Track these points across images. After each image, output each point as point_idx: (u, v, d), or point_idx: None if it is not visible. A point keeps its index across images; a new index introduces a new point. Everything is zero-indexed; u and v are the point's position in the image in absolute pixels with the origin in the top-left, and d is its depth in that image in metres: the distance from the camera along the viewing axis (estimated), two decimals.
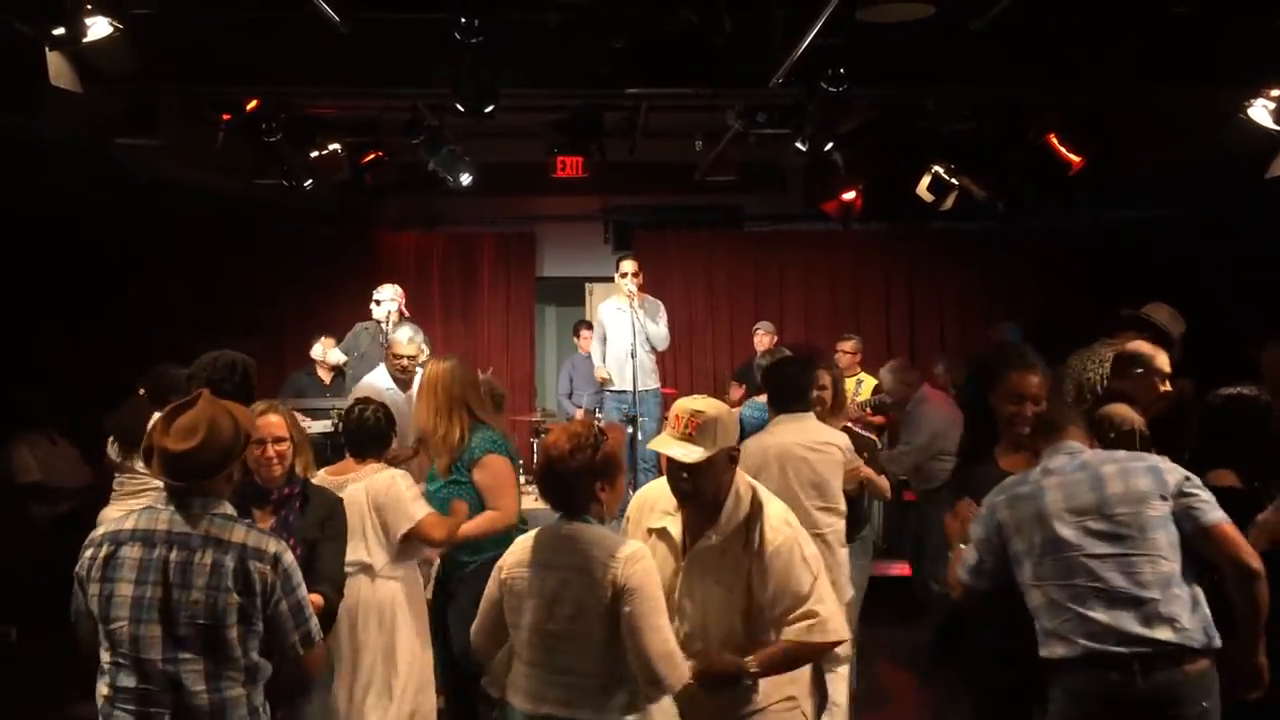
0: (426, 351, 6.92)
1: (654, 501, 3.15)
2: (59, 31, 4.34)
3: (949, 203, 7.44)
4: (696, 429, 2.91)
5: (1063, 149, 6.33)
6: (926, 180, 7.31)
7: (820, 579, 2.94)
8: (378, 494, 4.02)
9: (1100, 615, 2.94)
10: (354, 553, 3.94)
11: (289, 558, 2.76)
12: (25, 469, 6.30)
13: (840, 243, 9.89)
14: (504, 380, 9.33)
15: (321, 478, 4.13)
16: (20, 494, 6.38)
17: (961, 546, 3.37)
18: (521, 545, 2.94)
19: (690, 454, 2.89)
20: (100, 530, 2.74)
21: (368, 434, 4.20)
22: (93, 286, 8.52)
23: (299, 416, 5.05)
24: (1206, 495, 3.04)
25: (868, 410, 7.77)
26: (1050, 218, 9.31)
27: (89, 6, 4.39)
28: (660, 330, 7.85)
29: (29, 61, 4.47)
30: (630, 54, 5.31)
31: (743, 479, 3.05)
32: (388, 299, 7.10)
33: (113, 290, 8.76)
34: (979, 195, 7.23)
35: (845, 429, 5.01)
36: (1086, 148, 6.39)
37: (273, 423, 3.53)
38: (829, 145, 5.87)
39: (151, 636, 2.62)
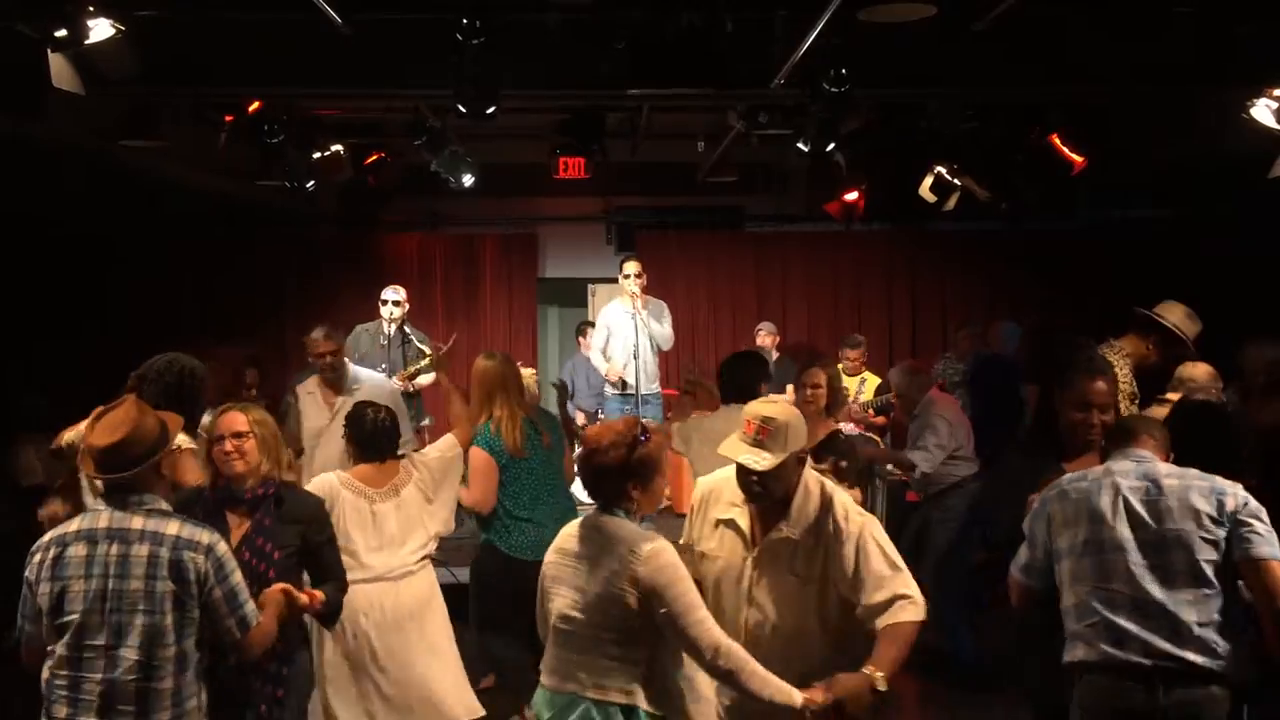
0: (429, 355, 6.98)
1: (719, 493, 3.20)
2: (61, 33, 4.34)
3: (951, 203, 7.43)
4: (768, 435, 2.97)
5: (1065, 149, 6.32)
6: (928, 181, 7.30)
7: (898, 560, 2.98)
8: (430, 475, 4.23)
9: (1129, 624, 2.90)
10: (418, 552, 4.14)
11: (222, 547, 2.95)
12: (30, 471, 6.30)
13: (842, 243, 9.90)
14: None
15: (360, 489, 4.20)
16: (24, 496, 6.38)
17: None
18: (563, 535, 3.05)
19: (760, 461, 2.95)
20: (46, 536, 2.91)
21: (385, 435, 4.27)
22: (95, 289, 8.54)
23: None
24: (1264, 527, 2.95)
25: (870, 411, 7.77)
26: (1052, 218, 9.30)
27: (91, 8, 4.40)
28: (665, 331, 7.84)
29: (31, 64, 4.48)
30: (632, 55, 5.30)
31: (810, 473, 3.11)
32: (392, 300, 7.12)
33: (115, 292, 8.78)
34: (981, 196, 7.23)
35: (835, 432, 5.01)
36: (1089, 148, 6.38)
37: (233, 419, 3.46)
38: (831, 146, 5.84)
39: (94, 625, 2.81)
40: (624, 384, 7.91)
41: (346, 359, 5.85)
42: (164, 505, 2.97)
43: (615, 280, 8.16)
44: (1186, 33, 5.32)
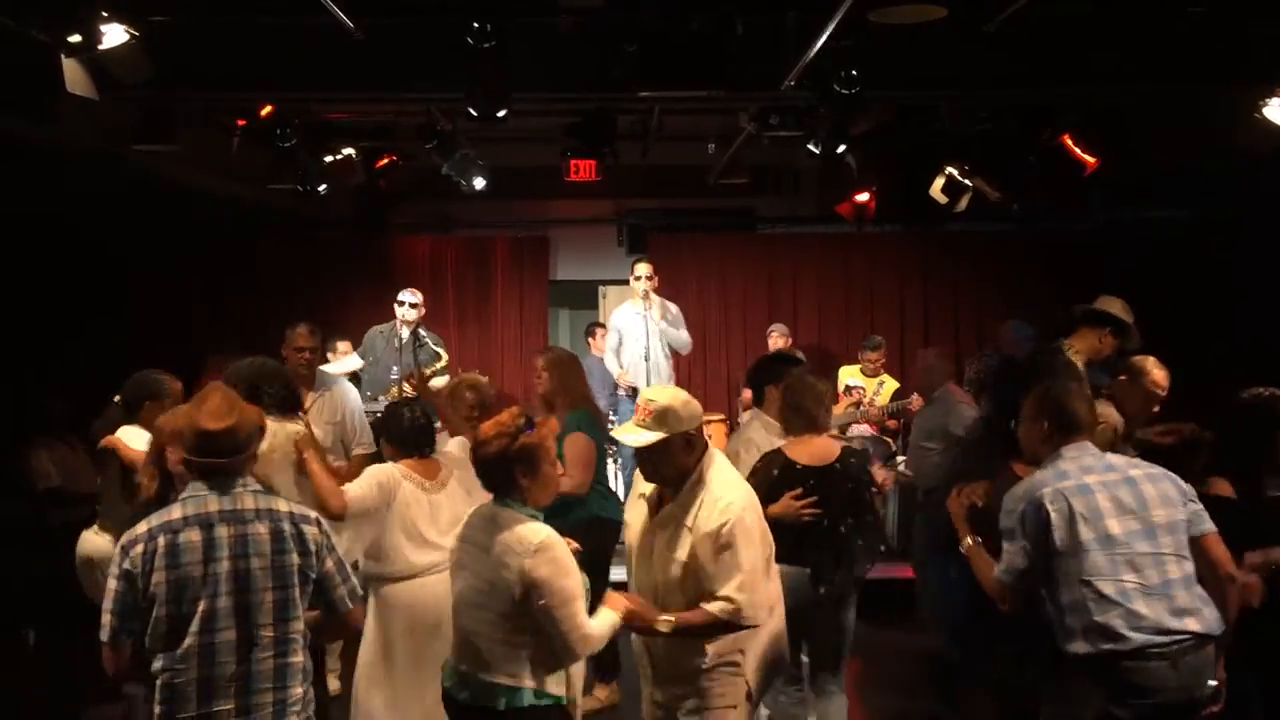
0: (444, 357, 7.01)
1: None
2: (75, 39, 4.39)
3: (963, 204, 7.42)
4: (650, 416, 3.23)
5: (1078, 150, 6.30)
6: (940, 182, 7.29)
7: (748, 569, 3.16)
8: (464, 470, 4.03)
9: (1145, 610, 3.12)
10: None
11: (327, 523, 3.02)
12: (44, 474, 6.34)
13: (854, 245, 9.87)
14: (517, 383, 9.39)
15: (417, 480, 4.21)
16: (39, 499, 6.42)
17: (970, 542, 3.55)
18: (465, 522, 3.23)
19: (639, 439, 3.23)
20: (141, 528, 2.82)
21: (424, 432, 4.30)
22: (108, 292, 8.58)
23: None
24: (1200, 506, 3.33)
25: (886, 415, 7.76)
26: (1065, 219, 9.27)
27: (105, 14, 4.44)
28: (683, 337, 7.88)
29: (46, 69, 4.52)
30: (642, 57, 5.32)
31: (713, 463, 3.31)
32: (409, 302, 7.14)
33: (128, 296, 8.82)
34: (993, 197, 7.21)
35: (835, 438, 4.98)
36: (1101, 149, 6.36)
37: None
38: (842, 147, 5.85)
39: (225, 608, 2.78)
40: (634, 390, 7.92)
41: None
42: (260, 485, 2.97)
43: (627, 282, 8.17)
44: (1199, 33, 5.30)
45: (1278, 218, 7.57)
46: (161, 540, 2.78)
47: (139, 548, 2.78)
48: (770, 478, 4.16)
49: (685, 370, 9.17)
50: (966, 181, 7.18)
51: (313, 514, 2.99)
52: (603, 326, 8.98)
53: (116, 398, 4.37)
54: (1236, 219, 8.69)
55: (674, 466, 3.27)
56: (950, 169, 7.20)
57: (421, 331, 7.20)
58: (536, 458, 3.11)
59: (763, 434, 4.61)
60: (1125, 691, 3.11)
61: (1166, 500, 3.25)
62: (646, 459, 3.29)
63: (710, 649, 3.30)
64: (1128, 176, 7.75)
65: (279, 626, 2.84)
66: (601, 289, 10.28)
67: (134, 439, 4.28)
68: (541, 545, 2.96)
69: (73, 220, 7.75)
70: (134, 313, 8.74)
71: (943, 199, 7.35)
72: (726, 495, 3.24)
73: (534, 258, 9.99)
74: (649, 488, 3.43)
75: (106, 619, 2.79)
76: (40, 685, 5.73)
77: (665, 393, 3.30)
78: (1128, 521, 3.20)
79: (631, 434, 3.26)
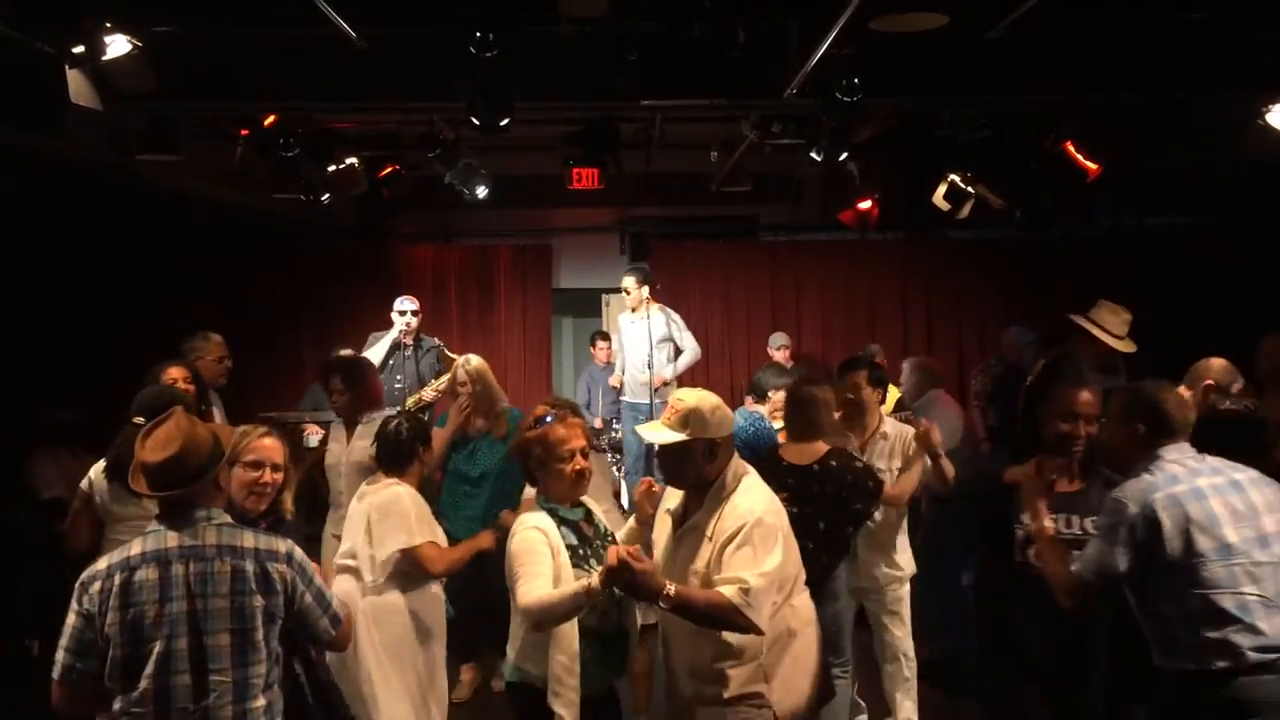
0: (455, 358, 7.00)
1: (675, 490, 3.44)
2: (79, 50, 4.38)
3: (965, 211, 7.41)
4: (676, 415, 3.18)
5: (1080, 156, 6.31)
6: (942, 189, 7.29)
7: (762, 569, 3.05)
8: (379, 507, 4.06)
9: (1264, 625, 2.94)
10: (347, 555, 4.11)
11: (299, 552, 2.87)
12: (49, 484, 6.34)
13: (857, 252, 9.88)
14: (521, 391, 9.38)
15: (360, 489, 4.25)
16: (43, 508, 6.41)
17: (1048, 524, 3.43)
18: None
19: (660, 437, 3.20)
20: (101, 564, 2.73)
21: (388, 448, 4.23)
22: (113, 302, 8.59)
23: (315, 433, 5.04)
24: None
25: None
26: (1068, 225, 9.27)
27: (108, 25, 4.44)
28: (689, 344, 7.92)
29: (50, 80, 4.52)
30: (645, 66, 5.31)
31: (743, 475, 3.24)
32: (411, 310, 7.14)
33: (133, 306, 8.83)
34: (995, 203, 7.21)
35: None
36: (1104, 155, 6.35)
37: (271, 446, 3.34)
38: (844, 155, 5.84)
39: (180, 651, 2.66)
40: (623, 387, 7.95)
41: None
42: (227, 518, 2.85)
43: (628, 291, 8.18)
44: (1201, 40, 5.30)
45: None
46: (118, 578, 2.67)
47: (97, 585, 2.68)
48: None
49: (688, 378, 9.17)
50: (969, 188, 7.17)
51: (283, 549, 2.82)
52: (605, 336, 8.99)
53: (138, 418, 4.20)
54: (1239, 225, 8.69)
55: (693, 471, 3.21)
56: (953, 176, 7.20)
57: (423, 338, 7.21)
58: (541, 454, 3.27)
59: None
60: (1233, 709, 2.94)
61: (1272, 506, 3.06)
62: (664, 459, 3.27)
63: (733, 680, 3.18)
64: (1130, 183, 7.75)
65: (238, 670, 2.70)
66: (605, 297, 10.29)
67: None
68: (511, 533, 3.24)
69: (76, 230, 7.76)
70: (137, 322, 8.74)
71: (945, 206, 7.35)
72: (747, 502, 3.17)
73: (537, 266, 10.01)
74: (674, 502, 3.38)
75: (60, 655, 2.70)
76: (44, 696, 5.71)
77: (695, 395, 3.24)
78: (1243, 529, 3.00)
79: (654, 431, 3.24)
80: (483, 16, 4.80)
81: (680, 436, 3.15)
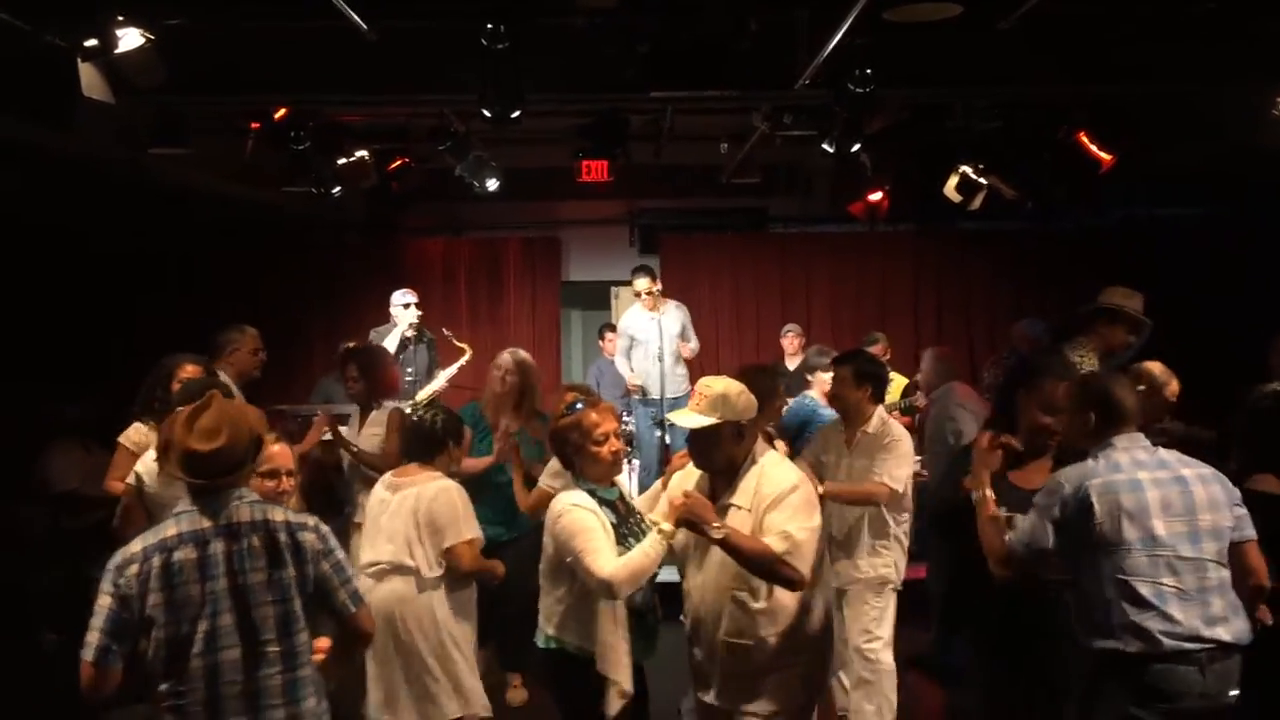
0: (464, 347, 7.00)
1: (693, 473, 3.60)
2: (91, 43, 4.39)
3: (977, 203, 7.39)
4: (705, 401, 3.34)
5: (1093, 147, 6.27)
6: (954, 180, 7.26)
7: (805, 526, 3.23)
8: (429, 503, 4.06)
9: (1178, 614, 3.09)
10: (397, 555, 4.03)
11: (325, 527, 2.91)
12: (62, 478, 6.36)
13: (867, 244, 9.86)
14: None
15: (385, 479, 4.24)
16: (56, 502, 6.44)
17: (985, 493, 3.48)
18: None
19: (692, 421, 3.34)
20: (136, 546, 2.73)
21: (421, 438, 4.23)
22: (124, 297, 8.61)
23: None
24: (1246, 511, 3.28)
25: (895, 413, 7.72)
26: (1081, 216, 9.23)
27: (120, 18, 4.44)
28: (691, 344, 7.94)
29: (62, 73, 4.52)
30: (655, 57, 5.30)
31: (767, 451, 3.43)
32: (414, 303, 7.14)
33: (143, 300, 8.84)
34: (1008, 194, 7.18)
35: None
36: (1117, 146, 6.32)
37: (281, 453, 3.37)
38: (856, 146, 5.82)
39: (226, 627, 2.70)
40: (645, 391, 7.93)
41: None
42: (255, 495, 2.89)
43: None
44: (1214, 30, 5.27)
45: None
46: (156, 560, 2.69)
47: (134, 567, 2.69)
48: None
49: (697, 369, 9.16)
50: (981, 180, 7.14)
51: (311, 521, 2.88)
52: (614, 328, 8.98)
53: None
54: (1251, 217, 8.65)
55: (723, 454, 3.36)
56: (964, 167, 7.17)
57: (424, 330, 7.24)
58: (578, 439, 3.50)
59: None
60: (1151, 695, 3.09)
61: (1214, 504, 3.19)
62: (697, 444, 3.40)
63: (770, 649, 3.34)
64: (1142, 174, 7.71)
65: (284, 640, 2.76)
66: (614, 290, 10.29)
67: None
68: (558, 510, 3.41)
69: (85, 225, 7.77)
70: (147, 316, 8.76)
71: (957, 197, 7.32)
72: (780, 472, 3.36)
73: (546, 259, 10.01)
74: (690, 486, 3.50)
75: (94, 637, 2.68)
76: (58, 689, 5.73)
77: (721, 381, 3.41)
78: (1174, 523, 3.14)
79: (685, 417, 3.38)
80: (493, 8, 4.78)
81: (711, 420, 3.30)
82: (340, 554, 2.92)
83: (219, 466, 2.76)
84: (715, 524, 3.19)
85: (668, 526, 3.24)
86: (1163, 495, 3.16)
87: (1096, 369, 4.73)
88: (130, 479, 4.23)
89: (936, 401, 6.30)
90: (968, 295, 9.87)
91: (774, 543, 3.20)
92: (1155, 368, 4.91)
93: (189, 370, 4.76)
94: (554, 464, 4.58)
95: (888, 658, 4.74)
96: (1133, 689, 3.10)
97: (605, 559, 3.27)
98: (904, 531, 4.83)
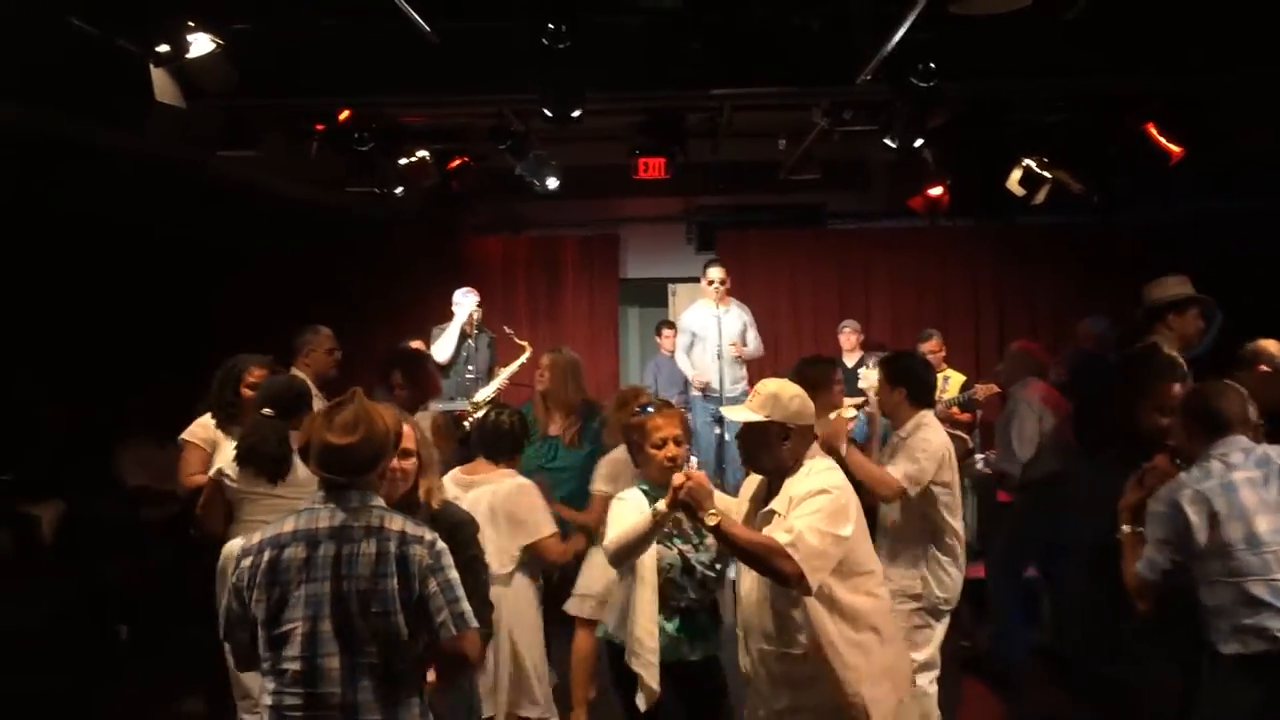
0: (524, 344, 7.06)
1: (754, 480, 3.59)
2: (163, 49, 4.50)
3: (1041, 196, 7.28)
4: (756, 399, 3.35)
5: (1162, 139, 6.15)
6: (1017, 174, 7.15)
7: (827, 534, 3.12)
8: (506, 500, 4.14)
9: None
10: None
11: (443, 545, 2.78)
12: (134, 472, 6.53)
13: (927, 240, 9.74)
14: (589, 381, 9.41)
15: (454, 476, 4.28)
16: (130, 497, 6.61)
17: (1128, 530, 3.49)
18: None
19: (739, 416, 3.37)
20: (255, 538, 2.73)
21: (501, 438, 4.30)
22: (193, 295, 8.78)
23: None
24: None
25: (954, 409, 7.64)
26: (1148, 210, 9.03)
27: (191, 24, 4.54)
28: (754, 346, 7.90)
29: (135, 78, 4.64)
30: (715, 55, 5.29)
31: (814, 459, 3.34)
32: (476, 301, 7.21)
33: (211, 299, 9.02)
34: (1074, 188, 7.05)
35: None
36: (1187, 137, 6.19)
37: (409, 434, 3.25)
38: (919, 141, 5.77)
39: (326, 632, 2.63)
40: (708, 387, 7.92)
41: None
42: (380, 501, 2.80)
43: (696, 280, 8.15)
44: None
45: None
46: (267, 554, 2.67)
47: (247, 560, 2.69)
48: None
49: (756, 367, 9.14)
50: (1045, 173, 7.04)
51: (429, 536, 2.75)
52: (671, 325, 8.98)
53: (266, 410, 4.30)
54: None
55: (770, 455, 3.33)
56: (1028, 161, 7.07)
57: (483, 328, 7.31)
58: (639, 440, 3.71)
59: None
60: (1274, 692, 3.08)
61: None
62: (744, 442, 3.41)
63: (810, 662, 3.26)
64: (1212, 165, 7.53)
65: (384, 653, 2.66)
66: (671, 287, 10.28)
67: None
68: (613, 504, 3.63)
69: (152, 224, 7.94)
70: (215, 314, 8.94)
71: (1020, 191, 7.22)
72: (824, 478, 3.28)
73: (603, 256, 10.03)
74: (752, 489, 3.54)
75: (220, 618, 2.76)
76: (132, 680, 5.89)
77: (776, 382, 3.41)
78: (1275, 518, 3.16)
79: (735, 412, 3.42)
80: (554, 8, 4.81)
81: (757, 417, 3.29)
82: (453, 573, 2.76)
83: (354, 462, 2.71)
84: (711, 510, 3.14)
85: (661, 506, 3.24)
86: (1258, 493, 3.18)
87: (1183, 366, 4.66)
88: (213, 471, 4.34)
89: (1010, 399, 6.22)
90: (1030, 291, 9.70)
91: (779, 535, 3.13)
92: (1271, 345, 4.77)
93: (256, 374, 4.88)
94: (605, 469, 4.70)
95: (923, 682, 4.36)
96: (1263, 687, 3.09)
97: (610, 533, 3.47)
98: (944, 550, 4.40)
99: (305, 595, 2.64)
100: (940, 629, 4.42)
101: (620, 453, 4.54)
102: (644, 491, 3.58)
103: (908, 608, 4.36)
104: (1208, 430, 3.33)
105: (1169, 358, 4.44)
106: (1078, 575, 5.16)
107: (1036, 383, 6.08)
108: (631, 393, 5.00)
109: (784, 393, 3.33)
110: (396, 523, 2.73)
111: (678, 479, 3.18)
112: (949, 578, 4.36)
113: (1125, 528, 3.52)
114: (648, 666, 3.47)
